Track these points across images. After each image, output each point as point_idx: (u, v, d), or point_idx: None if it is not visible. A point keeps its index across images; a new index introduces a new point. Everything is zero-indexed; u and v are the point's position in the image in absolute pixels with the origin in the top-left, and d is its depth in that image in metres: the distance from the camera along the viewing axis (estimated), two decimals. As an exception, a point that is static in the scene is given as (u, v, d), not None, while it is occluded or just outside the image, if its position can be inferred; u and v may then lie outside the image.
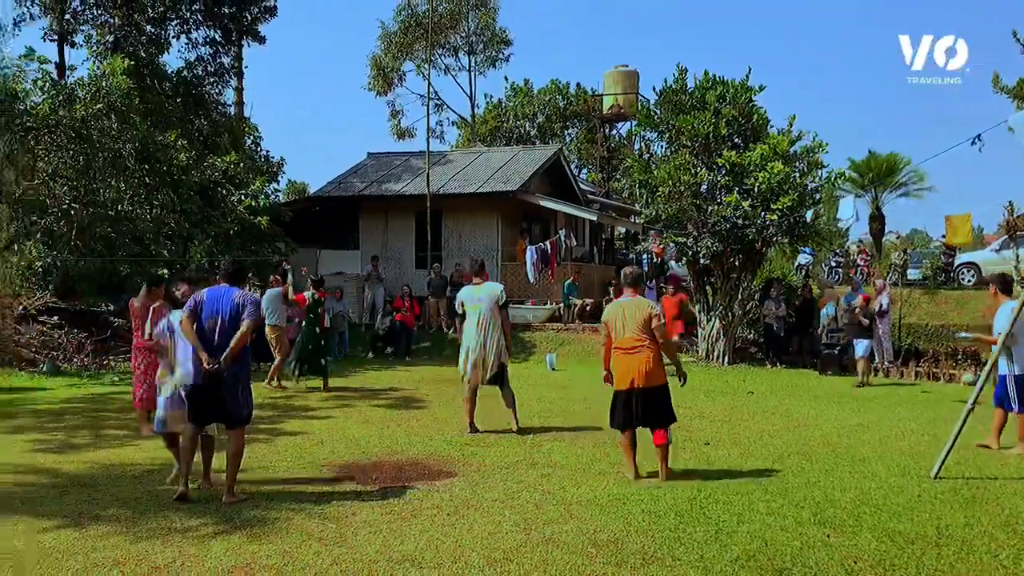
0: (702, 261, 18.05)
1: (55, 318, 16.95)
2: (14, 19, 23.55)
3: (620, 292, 7.89)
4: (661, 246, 24.75)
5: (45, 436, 9.38)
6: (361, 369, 17.21)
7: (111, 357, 16.63)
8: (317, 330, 13.72)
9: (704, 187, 17.84)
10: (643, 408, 7.36)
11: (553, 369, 17.13)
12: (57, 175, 17.16)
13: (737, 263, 18.12)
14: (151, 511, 6.30)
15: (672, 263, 24.01)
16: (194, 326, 6.53)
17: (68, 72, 21.44)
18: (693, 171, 17.50)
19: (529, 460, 8.18)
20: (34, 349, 16.06)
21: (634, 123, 31.82)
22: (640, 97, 34.57)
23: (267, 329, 13.62)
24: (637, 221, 26.54)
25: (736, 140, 17.97)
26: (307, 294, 13.87)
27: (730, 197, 17.19)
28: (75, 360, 16.05)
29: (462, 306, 9.78)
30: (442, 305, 21.21)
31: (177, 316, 6.80)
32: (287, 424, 10.35)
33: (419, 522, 6.03)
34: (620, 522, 6.06)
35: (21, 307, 17.02)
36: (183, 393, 6.80)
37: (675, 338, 17.36)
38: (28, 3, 23.48)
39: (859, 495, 6.82)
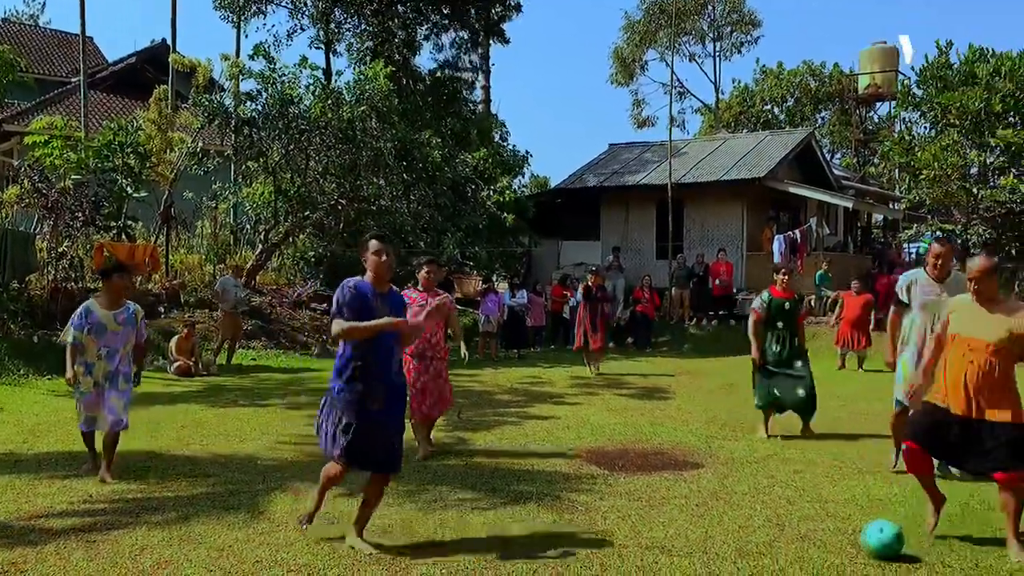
0: (972, 251, 16.64)
1: (324, 305, 18.53)
2: (288, 31, 26.08)
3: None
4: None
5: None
6: (603, 359, 17.33)
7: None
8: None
9: (974, 169, 16.42)
10: None
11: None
12: (327, 173, 18.69)
13: (1014, 252, 16.48)
14: (414, 481, 6.73)
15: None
16: None
17: (335, 77, 23.32)
18: (962, 152, 16.14)
19: (780, 456, 7.89)
20: (306, 333, 17.60)
21: (894, 103, 29.83)
22: (900, 75, 32.32)
23: None
24: (897, 208, 24.82)
25: (1012, 118, 16.34)
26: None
27: (1006, 180, 15.69)
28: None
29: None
30: (685, 296, 20.96)
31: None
32: (535, 408, 10.69)
33: (667, 511, 6.02)
34: (882, 524, 5.73)
35: (296, 294, 18.77)
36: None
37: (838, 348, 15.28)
38: (299, 16, 25.80)
39: None
